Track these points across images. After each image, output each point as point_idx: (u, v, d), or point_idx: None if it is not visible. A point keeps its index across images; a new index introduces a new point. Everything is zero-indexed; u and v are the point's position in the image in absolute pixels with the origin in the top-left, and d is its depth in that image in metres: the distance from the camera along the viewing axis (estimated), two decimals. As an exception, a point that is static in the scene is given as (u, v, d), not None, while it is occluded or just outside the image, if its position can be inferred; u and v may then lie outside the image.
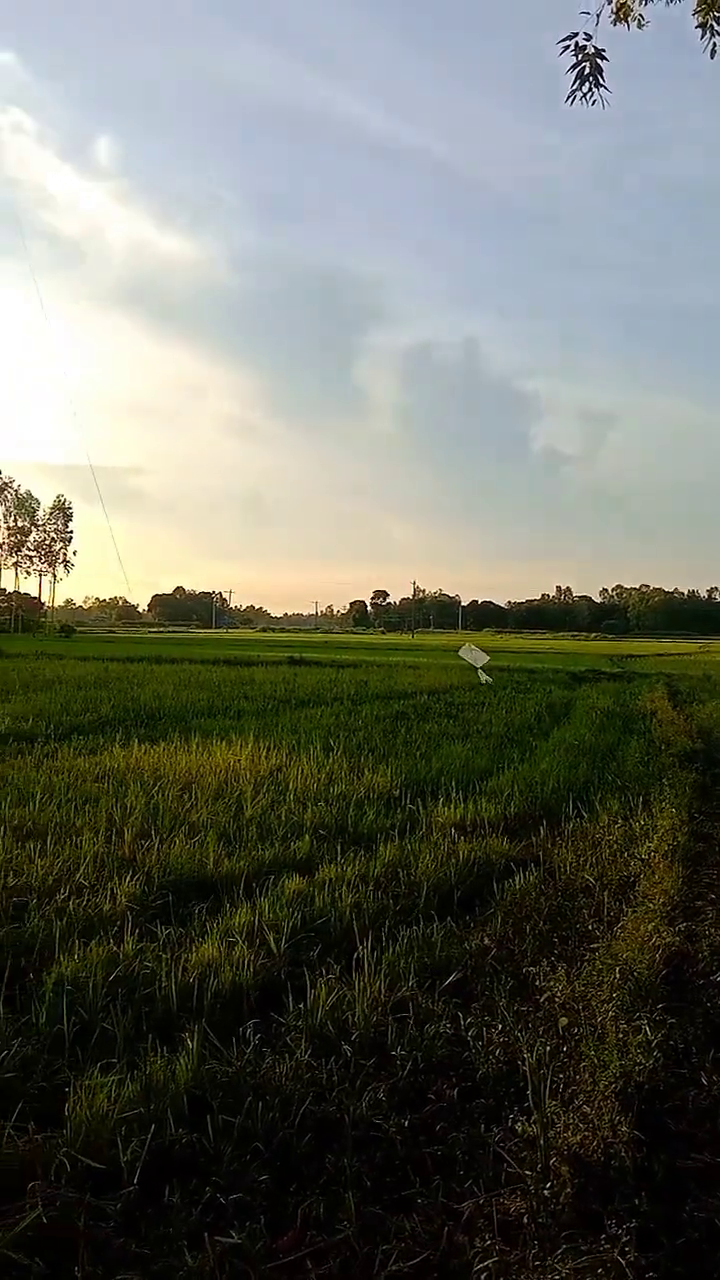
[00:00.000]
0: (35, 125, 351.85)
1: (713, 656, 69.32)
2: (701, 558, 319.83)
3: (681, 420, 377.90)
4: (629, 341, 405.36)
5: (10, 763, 10.11)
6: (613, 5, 6.81)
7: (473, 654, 28.56)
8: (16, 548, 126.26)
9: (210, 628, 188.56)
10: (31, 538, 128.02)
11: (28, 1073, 3.56)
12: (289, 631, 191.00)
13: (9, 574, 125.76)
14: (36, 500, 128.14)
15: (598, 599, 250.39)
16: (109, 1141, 3.09)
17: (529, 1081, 3.53)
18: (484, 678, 26.26)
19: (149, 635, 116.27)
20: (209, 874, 6.19)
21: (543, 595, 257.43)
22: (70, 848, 6.54)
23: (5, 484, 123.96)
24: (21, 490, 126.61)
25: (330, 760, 10.76)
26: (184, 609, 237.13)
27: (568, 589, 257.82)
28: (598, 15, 6.43)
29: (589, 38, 6.31)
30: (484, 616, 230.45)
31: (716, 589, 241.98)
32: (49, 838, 6.75)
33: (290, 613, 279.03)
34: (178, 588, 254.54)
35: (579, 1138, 3.18)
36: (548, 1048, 3.85)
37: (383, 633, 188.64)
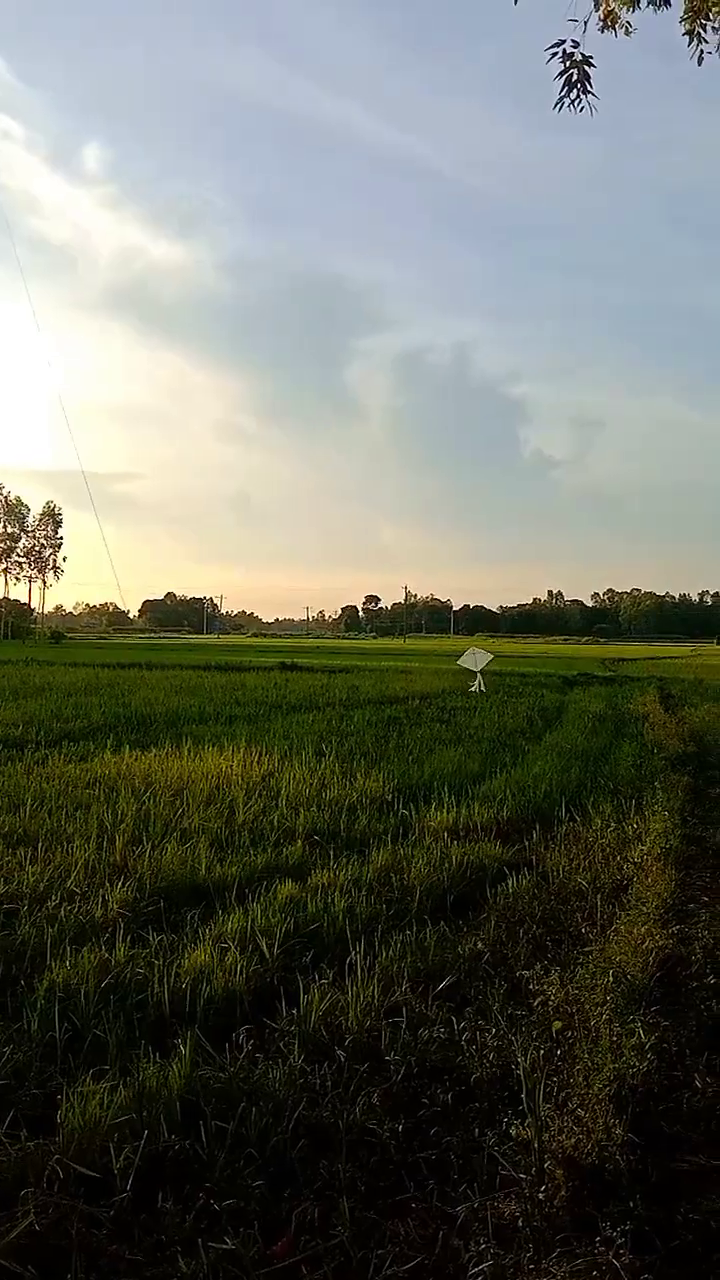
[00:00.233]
0: (23, 131, 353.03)
1: (704, 660, 69.69)
2: (692, 561, 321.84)
3: (671, 423, 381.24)
4: (618, 345, 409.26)
5: (0, 770, 10.07)
6: (600, 12, 6.86)
7: (475, 658, 28.16)
8: (6, 554, 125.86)
9: (202, 633, 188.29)
10: (21, 544, 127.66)
11: (20, 1080, 3.54)
12: (280, 637, 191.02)
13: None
14: (26, 506, 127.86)
15: (589, 603, 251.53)
16: (102, 1148, 3.08)
17: (523, 1085, 3.52)
18: (475, 687, 25.82)
19: (140, 641, 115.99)
20: (201, 880, 6.17)
21: (534, 599, 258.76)
22: (61, 854, 6.52)
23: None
24: (11, 496, 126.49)
25: (322, 765, 10.76)
26: (175, 614, 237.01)
27: (559, 593, 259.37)
28: (585, 22, 6.46)
29: (576, 44, 6.33)
30: (476, 621, 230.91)
31: (708, 592, 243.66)
32: (40, 845, 6.74)
33: (282, 618, 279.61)
34: (169, 593, 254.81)
35: (573, 1141, 3.17)
36: (542, 1051, 3.84)
37: (374, 637, 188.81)
